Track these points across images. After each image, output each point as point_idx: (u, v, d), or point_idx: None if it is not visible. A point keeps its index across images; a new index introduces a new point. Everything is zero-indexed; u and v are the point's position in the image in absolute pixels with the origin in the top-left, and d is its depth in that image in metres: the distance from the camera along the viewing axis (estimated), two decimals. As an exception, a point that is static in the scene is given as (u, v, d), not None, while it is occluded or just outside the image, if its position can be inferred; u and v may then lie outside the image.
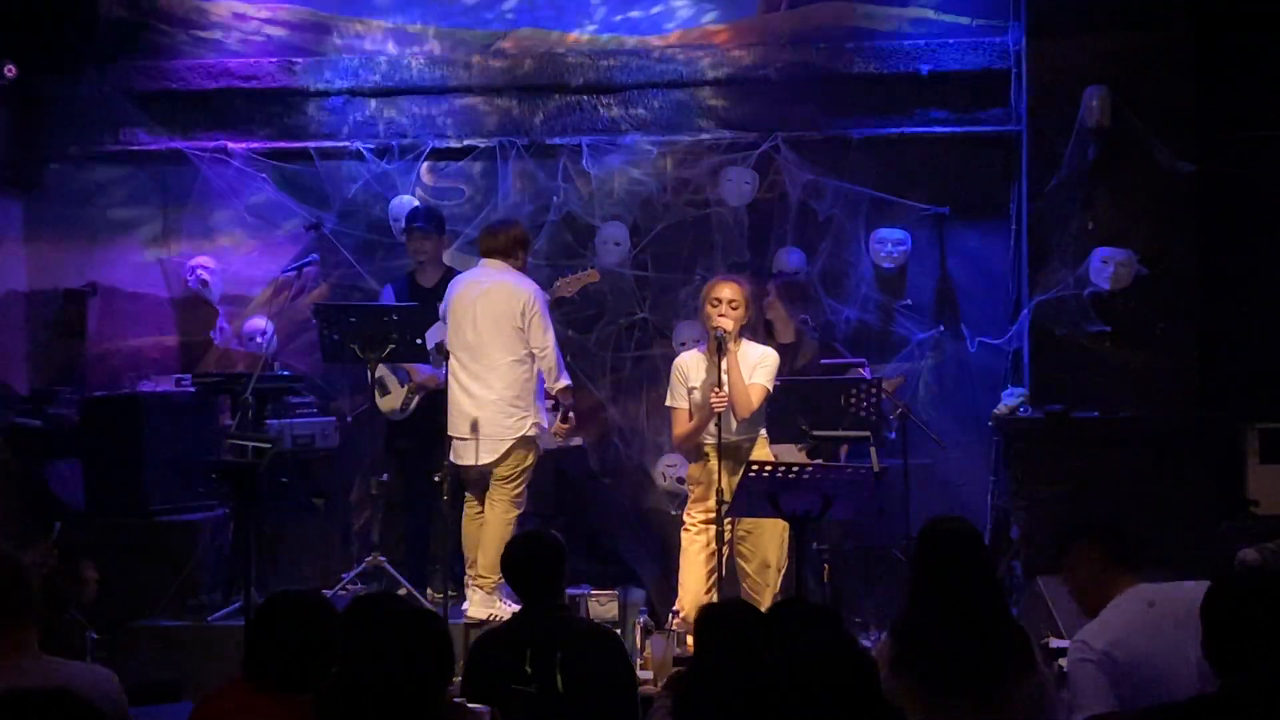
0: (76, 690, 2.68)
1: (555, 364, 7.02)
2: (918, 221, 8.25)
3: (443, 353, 7.07)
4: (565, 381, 7.10)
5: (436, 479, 7.03)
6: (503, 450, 6.93)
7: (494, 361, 6.94)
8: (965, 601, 4.15)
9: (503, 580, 6.63)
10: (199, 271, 8.44)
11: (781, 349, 7.15)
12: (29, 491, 7.50)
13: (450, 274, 7.70)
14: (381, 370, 7.51)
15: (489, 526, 6.95)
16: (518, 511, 6.98)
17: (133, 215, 8.66)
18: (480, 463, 6.93)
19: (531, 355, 6.98)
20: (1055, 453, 7.68)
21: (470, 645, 4.78)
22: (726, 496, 6.29)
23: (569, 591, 6.73)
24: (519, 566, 4.78)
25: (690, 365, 6.78)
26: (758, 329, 7.13)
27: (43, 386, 8.37)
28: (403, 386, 7.59)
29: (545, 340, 6.98)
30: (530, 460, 7.03)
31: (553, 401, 7.18)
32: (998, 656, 4.10)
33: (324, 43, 8.55)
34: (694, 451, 6.80)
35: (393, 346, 7.00)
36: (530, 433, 6.98)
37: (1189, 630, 3.51)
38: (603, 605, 7.02)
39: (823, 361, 7.51)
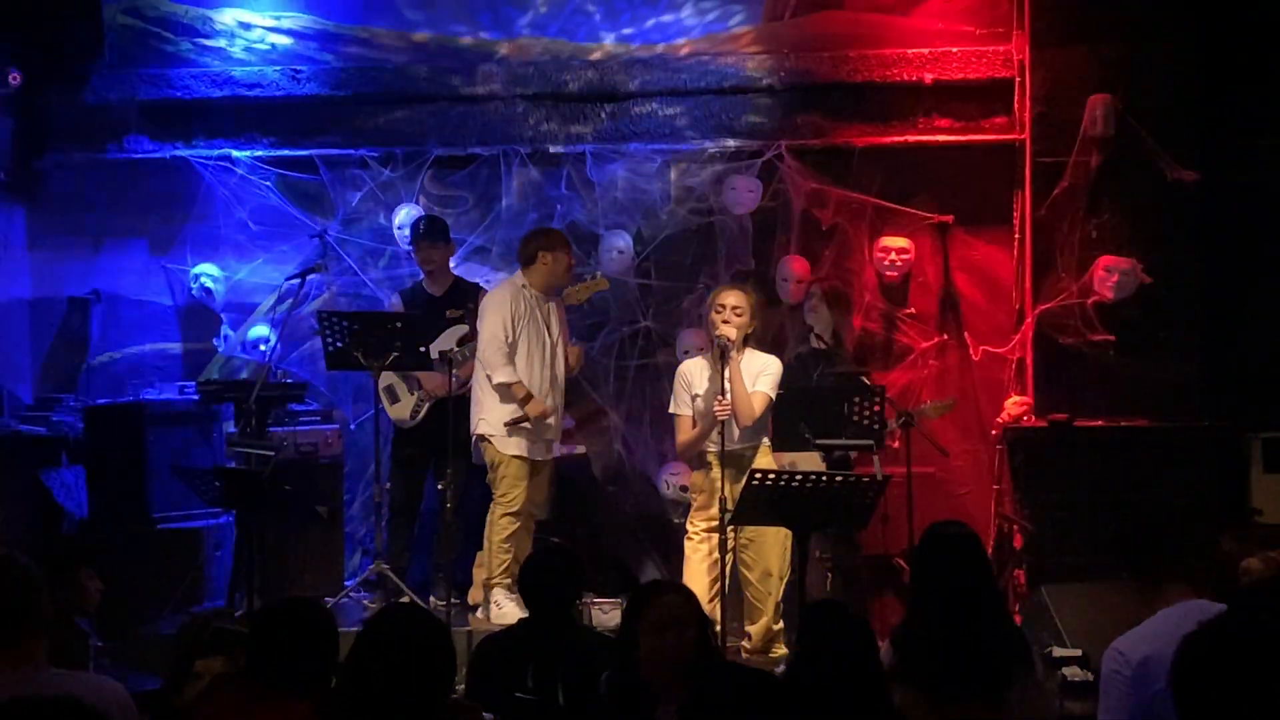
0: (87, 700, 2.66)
1: (488, 357, 6.88)
2: (921, 230, 8.25)
3: (446, 360, 7.07)
4: (501, 378, 6.87)
5: (440, 487, 7.02)
6: (470, 447, 7.03)
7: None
8: (966, 605, 4.14)
9: (509, 583, 6.66)
10: (202, 279, 8.44)
11: (815, 355, 7.20)
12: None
13: (459, 283, 7.71)
14: (392, 378, 7.50)
15: (487, 528, 7.00)
16: (505, 514, 6.89)
17: (137, 223, 8.65)
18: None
19: None
20: (1059, 461, 7.68)
21: (473, 650, 4.76)
22: (729, 505, 6.27)
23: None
24: (533, 581, 4.76)
25: (694, 372, 6.77)
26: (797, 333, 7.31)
27: (47, 394, 8.39)
28: (412, 394, 7.57)
29: (483, 330, 6.94)
30: (502, 463, 6.92)
31: None
32: (998, 661, 4.09)
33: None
34: (696, 459, 6.80)
35: (396, 354, 6.99)
36: (479, 430, 6.96)
37: None
38: (606, 613, 7.00)
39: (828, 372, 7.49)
